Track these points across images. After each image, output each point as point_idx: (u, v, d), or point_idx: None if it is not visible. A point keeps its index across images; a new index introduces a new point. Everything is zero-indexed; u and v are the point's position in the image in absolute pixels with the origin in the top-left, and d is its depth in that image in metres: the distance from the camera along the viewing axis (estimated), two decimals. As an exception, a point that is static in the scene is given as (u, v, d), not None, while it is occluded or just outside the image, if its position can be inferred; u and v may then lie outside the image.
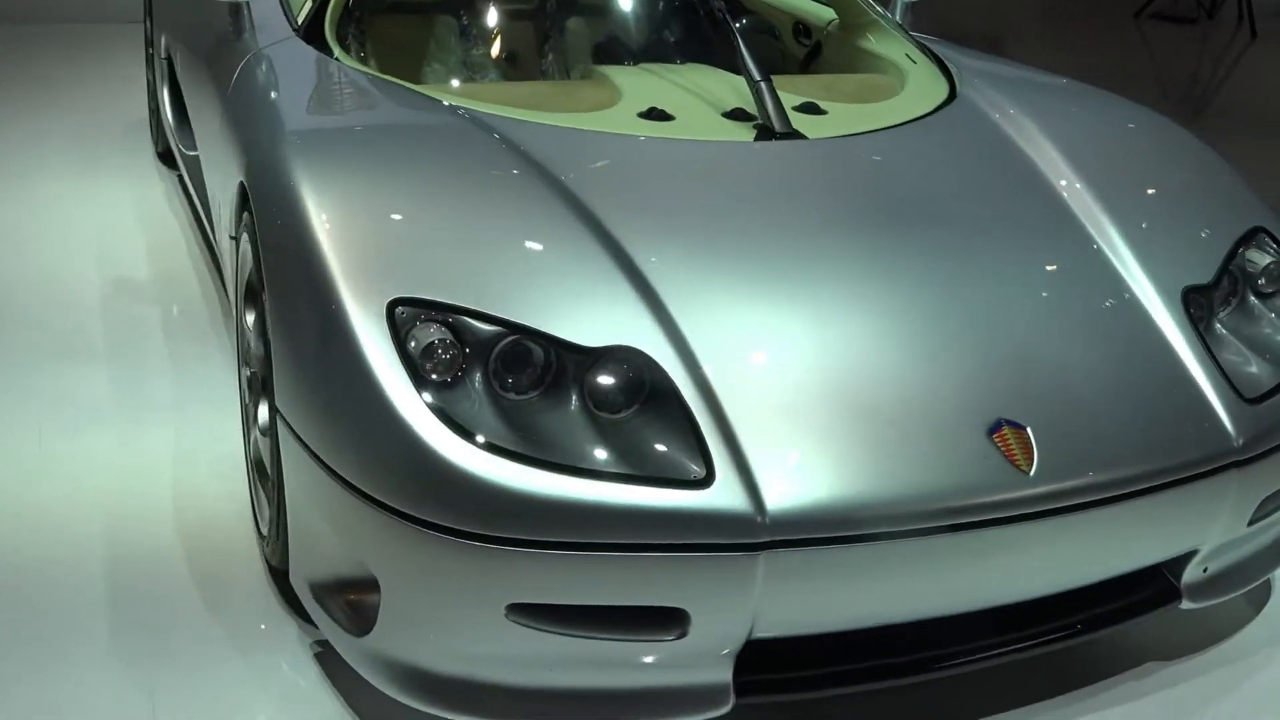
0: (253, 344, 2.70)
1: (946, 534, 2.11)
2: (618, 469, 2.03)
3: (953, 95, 3.22)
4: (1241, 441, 2.37)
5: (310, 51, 3.23)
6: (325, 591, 2.31)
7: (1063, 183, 2.81)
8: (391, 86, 3.01)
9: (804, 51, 3.91)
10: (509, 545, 1.99)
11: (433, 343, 2.09)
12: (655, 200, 2.55)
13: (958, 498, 2.12)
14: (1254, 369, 2.53)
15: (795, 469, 2.07)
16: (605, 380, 2.14)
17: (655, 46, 3.73)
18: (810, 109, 3.00)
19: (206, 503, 2.97)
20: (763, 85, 2.92)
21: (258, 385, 2.67)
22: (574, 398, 2.12)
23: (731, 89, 3.08)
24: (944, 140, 3.00)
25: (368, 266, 2.19)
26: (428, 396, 2.05)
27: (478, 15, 3.74)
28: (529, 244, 2.33)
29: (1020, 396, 2.27)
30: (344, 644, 2.26)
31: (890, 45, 3.61)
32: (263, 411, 2.58)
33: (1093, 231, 2.69)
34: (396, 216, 2.35)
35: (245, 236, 2.70)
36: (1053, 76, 3.56)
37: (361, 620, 2.21)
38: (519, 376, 2.13)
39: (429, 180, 2.47)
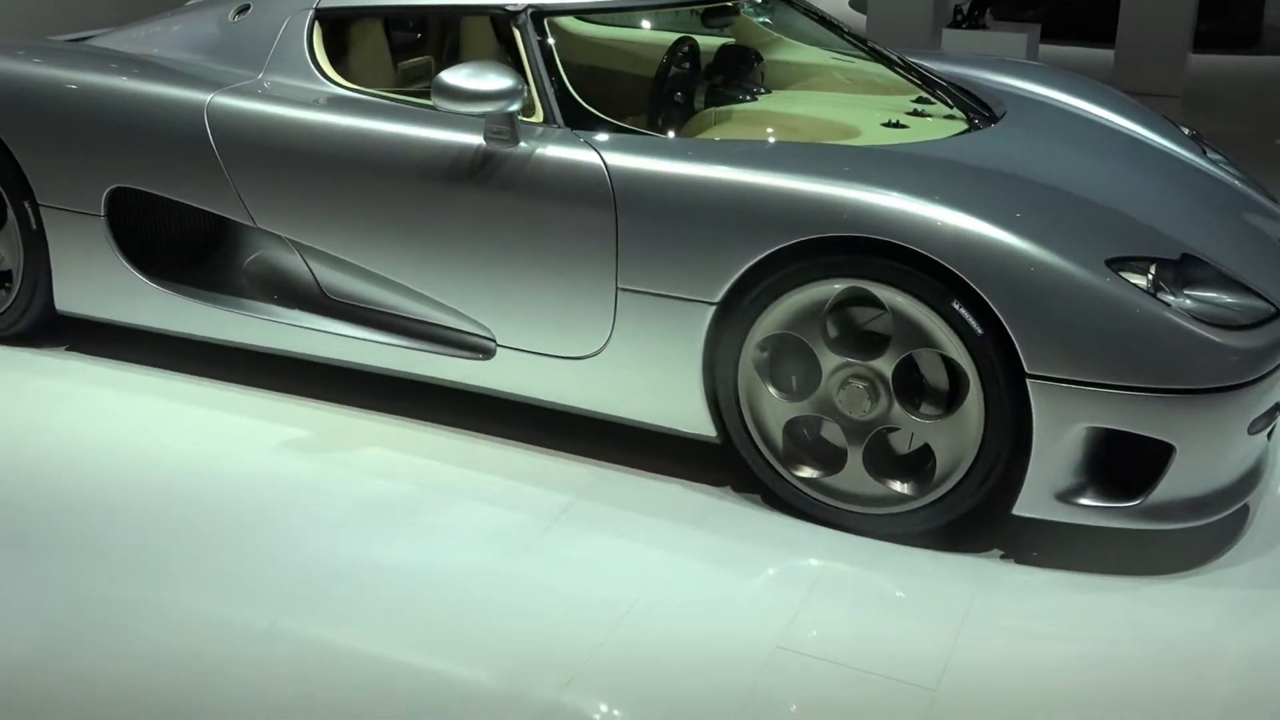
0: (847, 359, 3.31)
1: None
2: (1253, 320, 3.16)
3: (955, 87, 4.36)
4: None
5: (634, 138, 3.57)
6: (1072, 494, 3.16)
7: (1117, 122, 4.30)
8: (774, 145, 3.81)
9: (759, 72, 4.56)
10: (1248, 386, 3.07)
11: (1151, 279, 3.11)
12: (1041, 175, 3.57)
13: None
14: None
15: None
16: (1189, 277, 3.23)
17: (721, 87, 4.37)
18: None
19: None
20: (944, 91, 4.16)
21: (881, 389, 3.29)
22: (1172, 296, 3.15)
23: (853, 101, 4.25)
24: (1046, 113, 4.28)
25: (1075, 246, 3.12)
26: (1193, 311, 3.08)
27: (654, 69, 4.28)
28: (1095, 207, 3.43)
29: None
30: (1121, 514, 3.15)
31: (804, 52, 4.60)
32: (929, 407, 3.30)
33: (1176, 150, 4.18)
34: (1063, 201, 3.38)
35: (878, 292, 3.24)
36: (982, 60, 4.79)
37: (1135, 488, 3.13)
38: (1169, 289, 3.16)
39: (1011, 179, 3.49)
